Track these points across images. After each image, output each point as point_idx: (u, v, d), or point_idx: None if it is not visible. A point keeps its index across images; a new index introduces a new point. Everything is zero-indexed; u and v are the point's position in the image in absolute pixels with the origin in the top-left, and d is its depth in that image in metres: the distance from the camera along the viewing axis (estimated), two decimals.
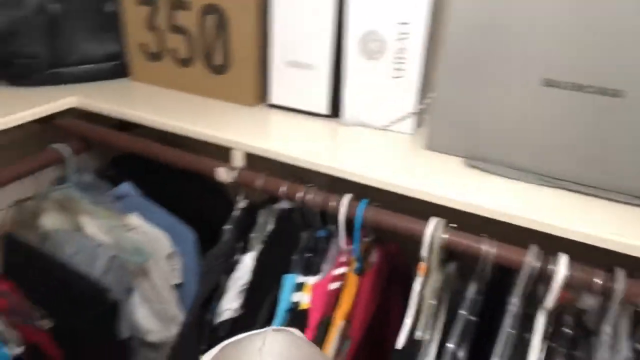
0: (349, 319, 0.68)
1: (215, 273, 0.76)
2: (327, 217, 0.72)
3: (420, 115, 0.79)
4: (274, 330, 0.48)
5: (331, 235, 0.74)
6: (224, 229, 0.78)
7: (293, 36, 0.79)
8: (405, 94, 0.76)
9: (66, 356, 0.90)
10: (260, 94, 0.86)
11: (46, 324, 0.81)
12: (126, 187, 0.96)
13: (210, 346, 0.73)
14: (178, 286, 0.97)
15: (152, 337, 1.00)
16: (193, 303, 0.74)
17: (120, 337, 0.97)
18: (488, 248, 0.59)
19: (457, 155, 0.70)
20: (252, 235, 0.78)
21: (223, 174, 0.74)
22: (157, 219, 0.95)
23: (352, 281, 0.71)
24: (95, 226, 0.96)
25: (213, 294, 0.75)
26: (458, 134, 0.69)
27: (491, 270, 0.60)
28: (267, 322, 0.69)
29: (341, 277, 0.71)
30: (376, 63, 0.75)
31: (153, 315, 0.99)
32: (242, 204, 0.78)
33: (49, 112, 0.84)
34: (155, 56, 0.90)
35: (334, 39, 0.77)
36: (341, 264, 0.72)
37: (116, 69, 0.93)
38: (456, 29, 0.63)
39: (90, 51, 0.90)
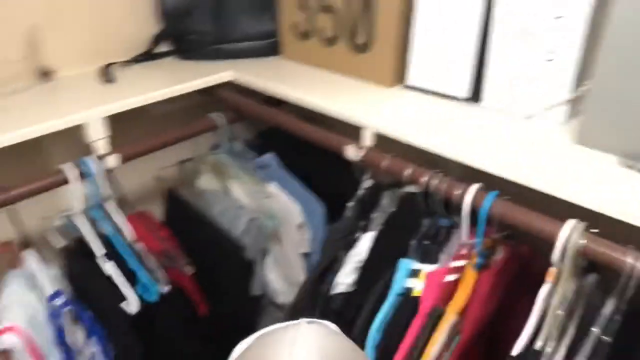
0: (461, 314, 0.65)
1: (334, 246, 0.78)
2: (453, 207, 0.68)
3: (573, 106, 0.69)
4: (308, 322, 0.48)
5: (454, 226, 0.70)
6: (347, 205, 0.79)
7: (438, 15, 0.76)
8: (557, 79, 0.67)
9: (205, 303, 1.02)
10: (398, 75, 0.85)
11: (189, 270, 0.92)
12: (269, 158, 1.03)
13: (322, 315, 0.76)
14: (306, 255, 1.02)
15: (280, 299, 1.07)
16: (311, 272, 0.78)
17: (253, 294, 1.06)
18: (634, 262, 0.51)
19: (612, 153, 0.61)
20: (374, 215, 0.78)
21: (351, 152, 0.75)
22: (292, 190, 1.01)
23: (470, 276, 0.67)
24: (240, 190, 1.06)
25: (331, 266, 0.77)
26: (615, 129, 0.59)
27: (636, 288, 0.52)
28: (378, 301, 0.69)
29: (459, 270, 0.67)
30: (526, 43, 0.68)
31: (282, 279, 1.07)
32: (367, 183, 0.78)
33: (208, 84, 0.94)
34: (304, 35, 0.94)
35: (480, 18, 0.72)
36: (461, 257, 0.68)
37: (270, 47, 1.00)
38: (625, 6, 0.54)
39: (250, 29, 0.98)
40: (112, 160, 0.84)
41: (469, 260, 0.68)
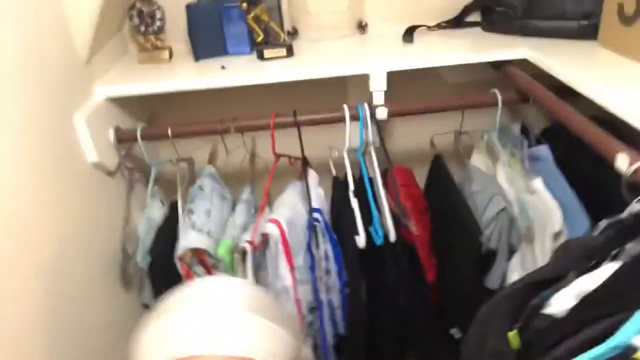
0: None
1: (568, 262, 0.68)
2: None
3: None
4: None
5: None
6: (599, 224, 0.66)
7: None
8: None
9: (434, 271, 1.04)
10: None
11: (414, 230, 0.94)
12: (544, 151, 0.93)
13: (521, 327, 0.69)
14: None
15: None
16: (530, 276, 0.70)
17: (486, 285, 1.02)
18: None
19: None
20: (629, 246, 0.63)
21: (622, 162, 0.62)
22: (559, 193, 0.89)
23: None
24: (504, 176, 1.00)
25: (554, 281, 0.68)
26: None
27: None
28: (587, 343, 0.58)
29: None
30: None
31: None
32: (636, 207, 0.63)
33: (500, 59, 0.90)
34: (630, 20, 0.78)
35: None
36: None
37: (585, 29, 0.87)
38: None
39: (565, 6, 0.88)
40: (382, 112, 0.93)
41: None
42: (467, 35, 1.02)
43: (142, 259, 0.92)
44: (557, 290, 0.67)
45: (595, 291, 0.62)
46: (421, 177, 1.14)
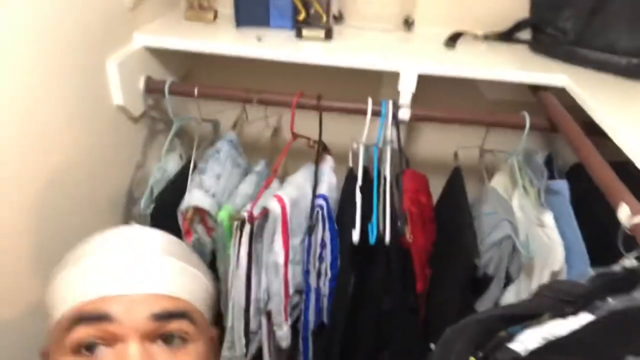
0: None
1: (546, 302, 0.66)
2: None
3: None
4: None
5: None
6: (589, 270, 0.64)
7: None
8: None
9: (425, 283, 1.02)
10: None
11: (408, 237, 0.93)
12: (562, 187, 0.90)
13: (482, 357, 0.67)
14: None
15: None
16: (502, 308, 0.68)
17: (475, 308, 1.00)
18: None
19: None
20: (612, 301, 0.60)
21: (623, 214, 0.59)
22: (567, 232, 0.86)
23: None
24: (519, 203, 0.97)
25: (526, 318, 0.66)
26: None
27: None
28: None
29: None
30: None
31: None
32: (628, 262, 0.60)
33: (537, 82, 0.86)
34: None
35: None
36: None
37: (634, 68, 0.82)
38: None
39: (618, 41, 0.82)
40: (404, 113, 0.91)
41: None
42: (512, 52, 0.98)
43: (145, 205, 0.96)
44: (527, 327, 0.65)
45: (562, 338, 0.60)
46: (438, 187, 1.12)
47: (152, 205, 0.97)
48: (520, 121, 0.88)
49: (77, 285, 0.49)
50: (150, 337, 0.48)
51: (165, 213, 0.98)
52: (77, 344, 0.47)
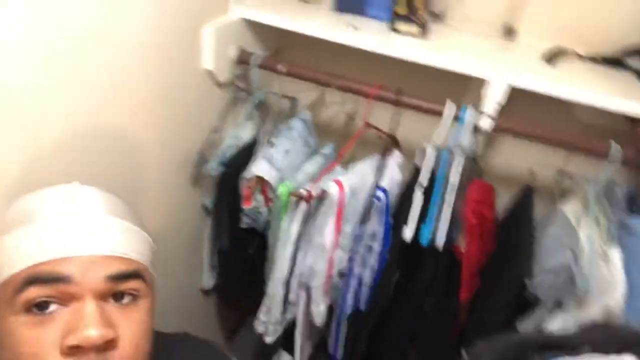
0: None
1: (594, 339, 0.63)
2: None
3: None
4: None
5: None
6: None
7: None
8: None
9: (470, 294, 1.00)
10: None
11: (462, 247, 0.91)
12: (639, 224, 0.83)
13: None
14: None
15: None
16: (545, 335, 0.66)
17: (518, 327, 0.96)
18: None
19: None
20: None
21: None
22: (633, 274, 0.80)
23: None
24: (587, 232, 0.92)
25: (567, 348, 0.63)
26: None
27: None
28: None
29: None
30: None
31: None
32: None
33: (636, 114, 0.80)
34: None
35: None
36: None
37: None
38: None
39: None
40: (486, 122, 0.89)
41: None
42: (617, 78, 0.91)
43: (216, 166, 1.02)
44: (563, 356, 0.63)
45: None
46: (505, 199, 1.08)
47: (221, 168, 1.03)
48: (607, 151, 0.83)
49: (30, 245, 0.49)
50: (105, 296, 0.50)
51: (231, 177, 1.04)
52: (30, 303, 0.47)
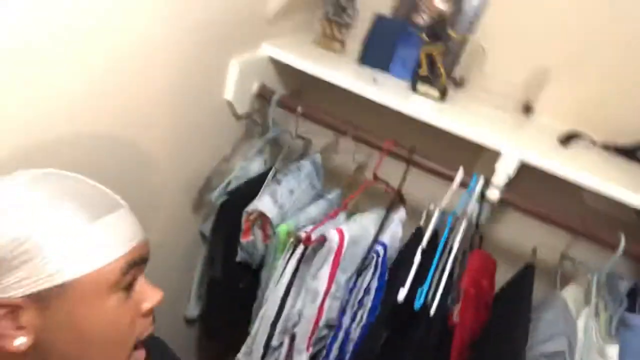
0: None
1: None
2: None
3: None
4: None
5: None
6: None
7: None
8: None
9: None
10: None
11: (455, 317, 0.88)
12: (638, 321, 0.80)
13: None
14: None
15: None
16: None
17: None
18: None
19: None
20: None
21: None
22: None
23: None
24: (584, 323, 0.89)
25: None
26: None
27: None
28: None
29: None
30: None
31: None
32: None
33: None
34: None
35: None
36: None
37: None
38: None
39: None
40: (493, 193, 0.88)
41: None
42: (628, 169, 0.92)
43: (219, 195, 1.01)
44: None
45: None
46: (505, 275, 1.06)
47: (225, 197, 1.03)
48: (614, 242, 0.82)
49: (126, 230, 0.55)
50: None
51: (232, 208, 1.03)
52: (129, 282, 0.55)
